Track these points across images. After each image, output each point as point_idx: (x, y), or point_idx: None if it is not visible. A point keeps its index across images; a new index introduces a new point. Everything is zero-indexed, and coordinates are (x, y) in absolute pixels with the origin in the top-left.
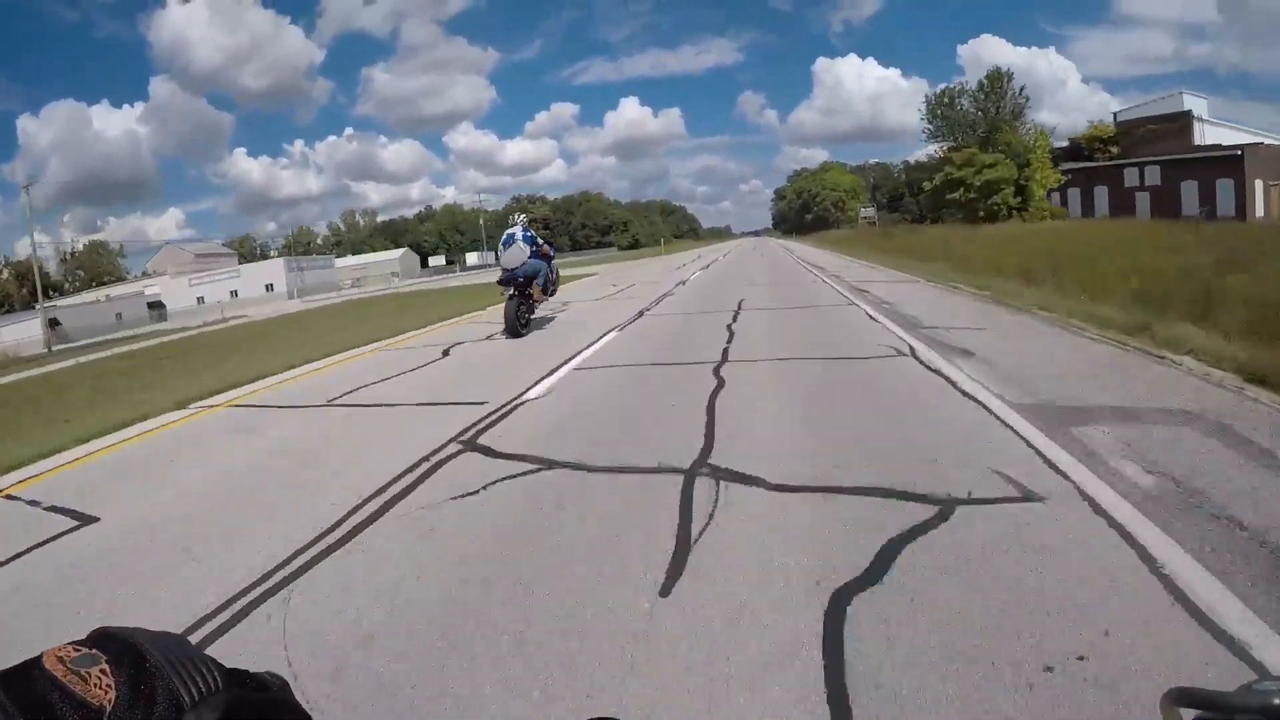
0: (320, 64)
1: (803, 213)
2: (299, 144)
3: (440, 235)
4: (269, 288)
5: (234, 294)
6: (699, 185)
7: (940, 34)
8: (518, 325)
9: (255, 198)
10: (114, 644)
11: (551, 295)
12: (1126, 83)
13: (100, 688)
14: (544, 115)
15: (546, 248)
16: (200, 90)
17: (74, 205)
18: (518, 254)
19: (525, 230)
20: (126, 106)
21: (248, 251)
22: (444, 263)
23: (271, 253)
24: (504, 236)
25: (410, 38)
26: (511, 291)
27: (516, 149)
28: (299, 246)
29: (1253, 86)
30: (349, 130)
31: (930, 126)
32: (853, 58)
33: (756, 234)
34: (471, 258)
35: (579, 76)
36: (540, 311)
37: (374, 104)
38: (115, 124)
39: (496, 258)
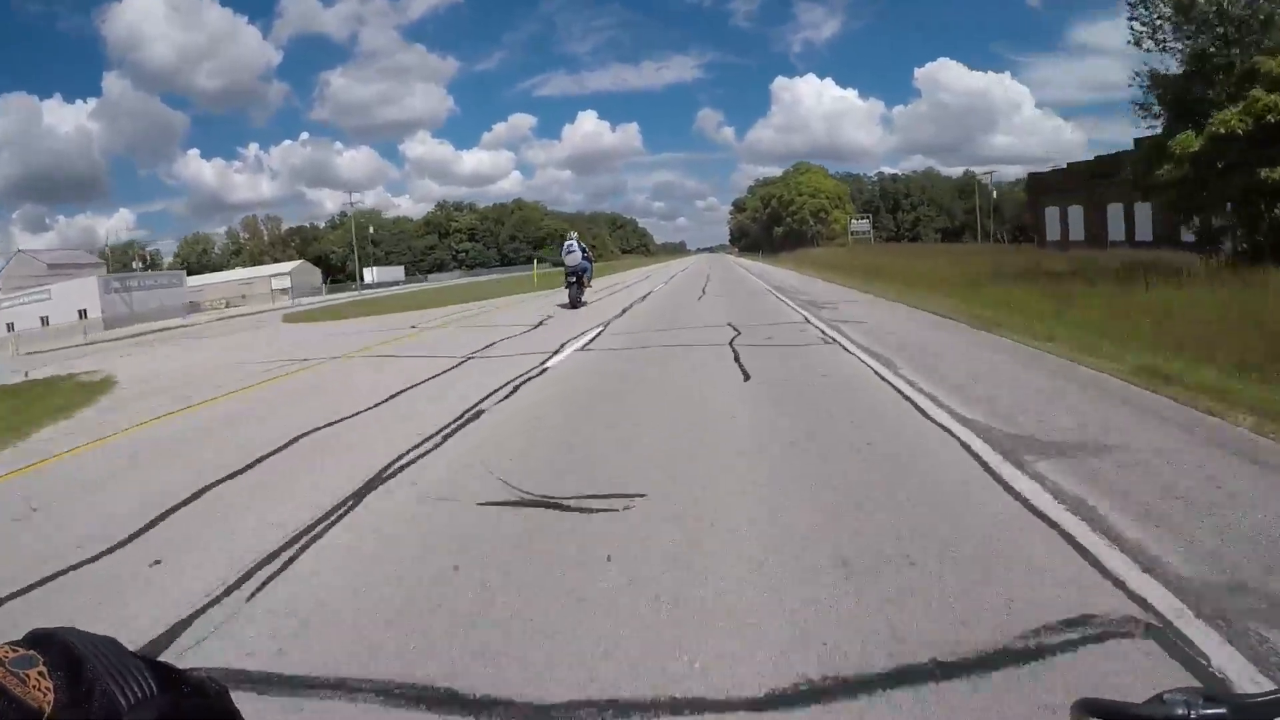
0: (277, 66)
1: (771, 226)
2: (254, 147)
3: (350, 246)
4: (82, 314)
5: (45, 321)
6: (656, 201)
7: (898, 57)
8: (579, 301)
9: (208, 200)
10: (51, 646)
11: (590, 286)
12: (1080, 108)
13: (39, 689)
14: (502, 126)
15: (590, 253)
16: (154, 88)
17: (22, 202)
18: (575, 256)
19: (579, 242)
20: (79, 102)
21: (129, 261)
22: (322, 281)
23: (166, 261)
24: (565, 246)
25: (369, 43)
26: (573, 279)
27: (473, 159)
28: (191, 256)
29: None
30: (304, 135)
31: (1142, 26)
32: (811, 77)
33: (711, 250)
34: (370, 273)
35: (539, 89)
36: None
37: (330, 109)
38: (67, 119)
39: (559, 262)
